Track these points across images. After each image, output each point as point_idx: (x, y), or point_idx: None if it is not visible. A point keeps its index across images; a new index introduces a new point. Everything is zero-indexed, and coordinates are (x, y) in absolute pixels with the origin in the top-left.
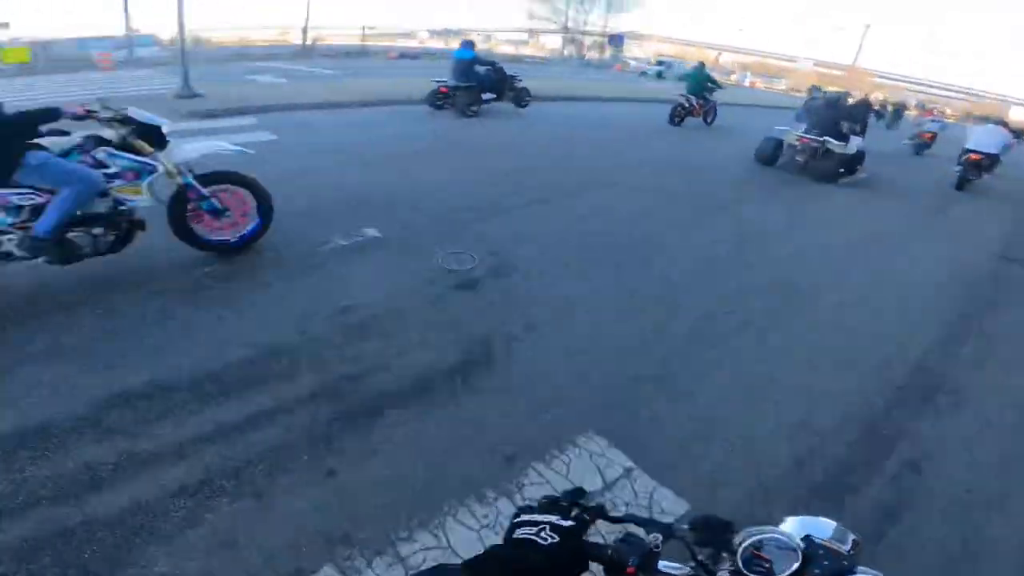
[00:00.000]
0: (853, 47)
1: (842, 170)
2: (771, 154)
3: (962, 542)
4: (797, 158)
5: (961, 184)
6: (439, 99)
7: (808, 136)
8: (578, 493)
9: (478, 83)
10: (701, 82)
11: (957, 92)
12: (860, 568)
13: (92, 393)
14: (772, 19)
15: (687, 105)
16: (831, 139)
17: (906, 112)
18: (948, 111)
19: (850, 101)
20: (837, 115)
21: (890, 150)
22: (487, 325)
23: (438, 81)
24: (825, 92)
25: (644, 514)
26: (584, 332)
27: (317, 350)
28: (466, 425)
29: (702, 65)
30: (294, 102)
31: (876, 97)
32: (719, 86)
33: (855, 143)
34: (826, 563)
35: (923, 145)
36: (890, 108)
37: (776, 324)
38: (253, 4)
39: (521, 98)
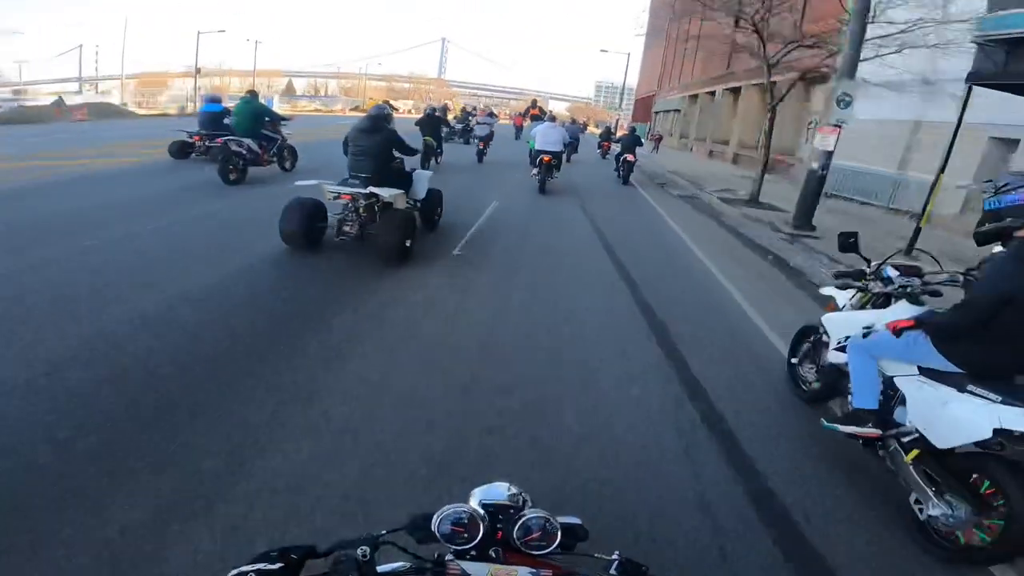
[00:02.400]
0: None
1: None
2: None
3: None
4: (344, 228)
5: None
6: None
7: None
8: (300, 550)
9: None
10: (255, 117)
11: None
12: (527, 510)
13: None
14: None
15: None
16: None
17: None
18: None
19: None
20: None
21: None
22: None
23: None
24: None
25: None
26: None
27: None
28: None
29: (253, 95)
30: None
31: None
32: (284, 118)
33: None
34: (500, 516)
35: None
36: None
37: None
38: None
39: None
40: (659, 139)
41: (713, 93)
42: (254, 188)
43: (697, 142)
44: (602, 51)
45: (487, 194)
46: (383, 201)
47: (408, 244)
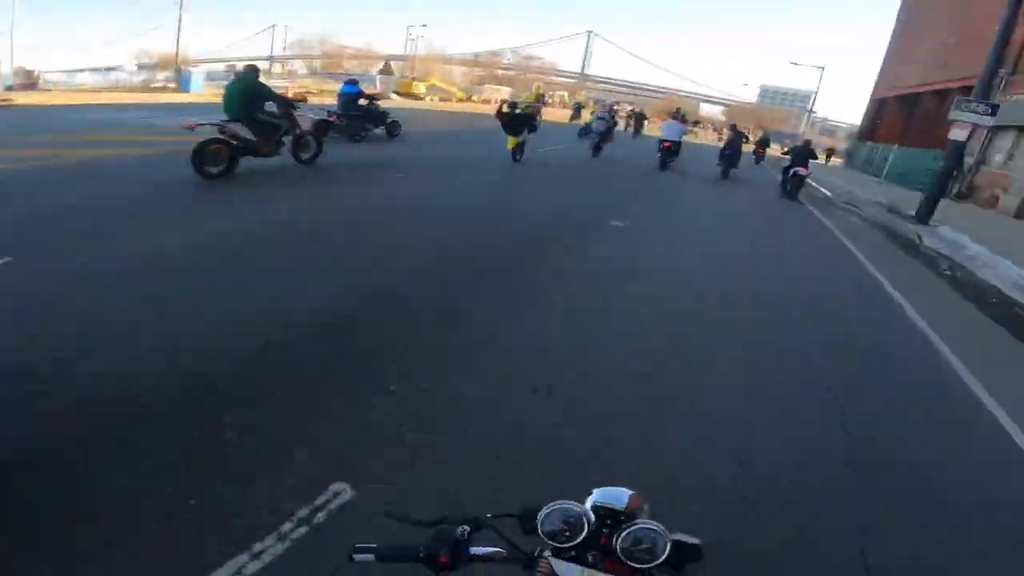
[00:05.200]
0: None
1: None
2: None
3: None
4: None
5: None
6: None
7: None
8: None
9: None
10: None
11: None
12: (640, 520)
13: None
14: None
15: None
16: None
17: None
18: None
19: None
20: None
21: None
22: None
23: None
24: None
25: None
26: None
27: None
28: None
29: (251, 71)
30: None
31: None
32: (290, 101)
33: None
34: (608, 521)
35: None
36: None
37: None
38: None
39: None
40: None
41: None
42: (243, 187)
43: None
44: (792, 63)
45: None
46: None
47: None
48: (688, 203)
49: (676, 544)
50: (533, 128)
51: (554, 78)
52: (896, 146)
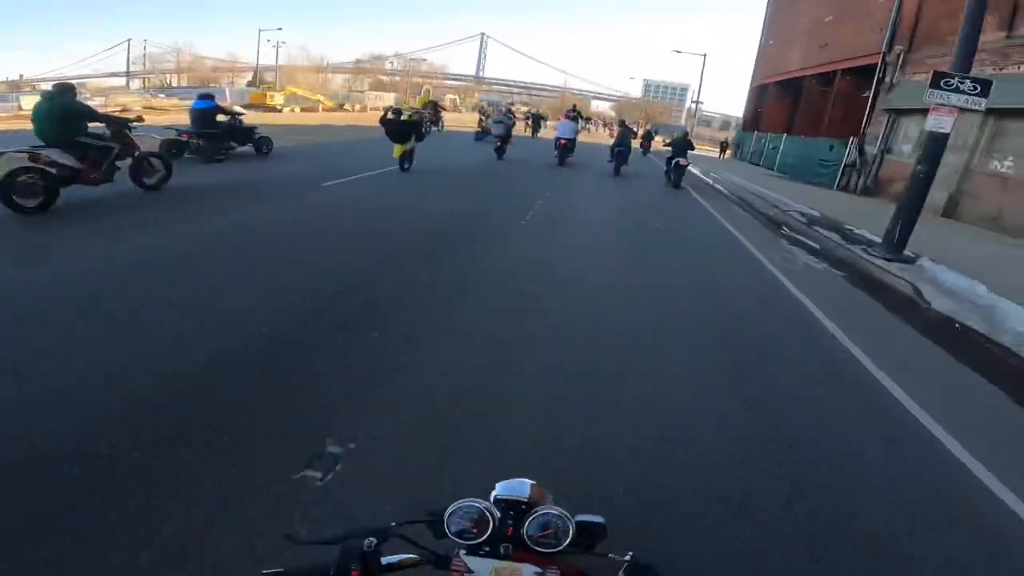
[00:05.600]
0: None
1: None
2: None
3: None
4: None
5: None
6: None
7: None
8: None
9: None
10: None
11: None
12: (542, 507)
13: None
14: None
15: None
16: None
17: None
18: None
19: None
20: None
21: None
22: None
23: None
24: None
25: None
26: None
27: None
28: None
29: (62, 92)
30: None
31: None
32: (124, 125)
33: None
34: (512, 513)
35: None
36: None
37: None
38: None
39: None
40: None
41: None
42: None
43: None
44: (675, 51)
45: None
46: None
47: None
48: (588, 199)
49: (581, 525)
50: (421, 136)
51: (445, 81)
52: (784, 135)
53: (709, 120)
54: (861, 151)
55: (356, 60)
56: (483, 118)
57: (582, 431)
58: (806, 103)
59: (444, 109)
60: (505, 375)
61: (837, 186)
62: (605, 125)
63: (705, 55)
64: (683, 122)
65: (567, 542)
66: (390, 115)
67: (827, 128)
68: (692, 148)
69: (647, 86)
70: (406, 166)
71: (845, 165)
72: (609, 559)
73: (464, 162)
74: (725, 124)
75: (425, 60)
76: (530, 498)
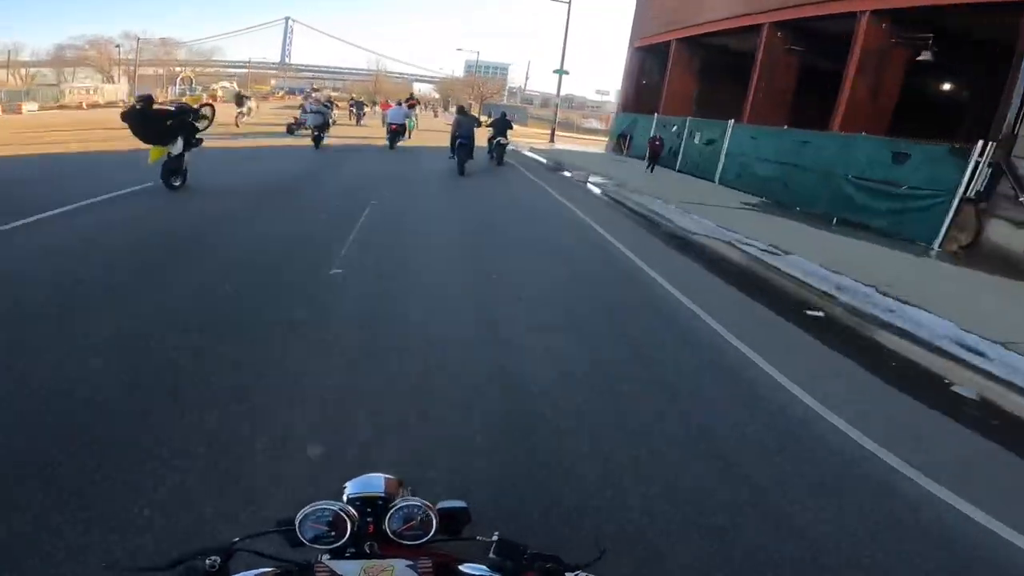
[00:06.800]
0: None
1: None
2: None
3: None
4: None
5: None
6: None
7: None
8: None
9: None
10: None
11: None
12: (400, 500)
13: None
14: None
15: None
16: None
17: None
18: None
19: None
20: None
21: None
22: None
23: None
24: None
25: None
26: None
27: None
28: None
29: None
30: None
31: None
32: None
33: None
34: (370, 509)
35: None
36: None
37: None
38: None
39: None
40: None
41: None
42: None
43: None
44: (500, 35)
45: None
46: None
47: None
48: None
49: (444, 512)
50: (193, 136)
51: (221, 69)
52: (688, 118)
53: (531, 99)
54: (998, 173)
55: (56, 45)
56: (238, 102)
57: None
58: (771, 71)
59: (215, 100)
60: None
61: (941, 243)
62: (431, 108)
63: (534, 36)
64: (505, 102)
65: (433, 531)
66: (138, 106)
67: (845, 118)
68: (511, 127)
69: (468, 66)
70: (177, 183)
71: (962, 200)
72: (477, 541)
73: (267, 164)
74: (544, 102)
75: (175, 41)
76: (386, 492)
